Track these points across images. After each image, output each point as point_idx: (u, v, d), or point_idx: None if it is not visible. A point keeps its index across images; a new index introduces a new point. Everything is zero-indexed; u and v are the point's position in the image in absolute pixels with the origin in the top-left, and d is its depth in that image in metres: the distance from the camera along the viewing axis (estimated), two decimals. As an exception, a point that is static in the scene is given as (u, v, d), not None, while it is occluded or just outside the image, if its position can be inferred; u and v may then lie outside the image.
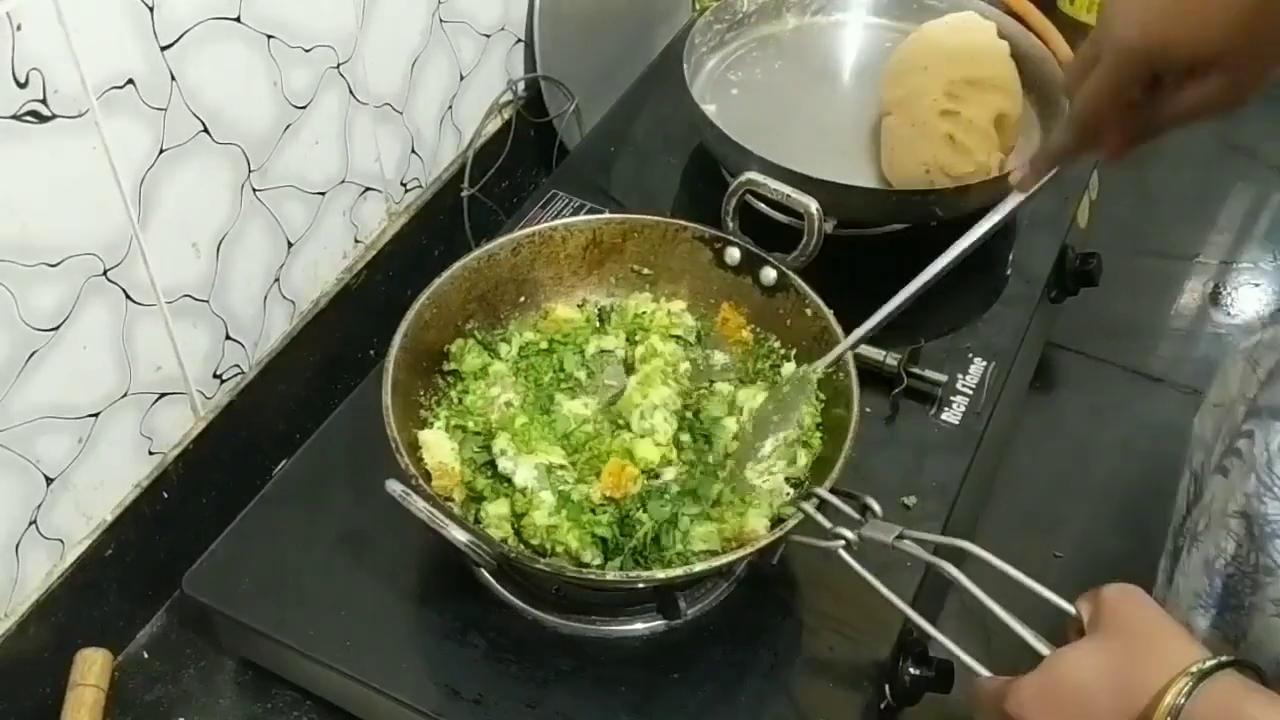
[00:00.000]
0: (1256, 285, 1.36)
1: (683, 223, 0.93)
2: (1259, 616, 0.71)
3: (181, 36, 0.80)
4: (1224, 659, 0.57)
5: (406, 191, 1.13)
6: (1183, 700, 0.55)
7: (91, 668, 0.88)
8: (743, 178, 0.90)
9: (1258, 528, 0.70)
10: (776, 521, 0.78)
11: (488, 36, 1.17)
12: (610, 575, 0.76)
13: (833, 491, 0.77)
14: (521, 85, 1.24)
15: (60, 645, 0.87)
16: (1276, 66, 0.67)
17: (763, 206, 1.00)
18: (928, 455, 0.95)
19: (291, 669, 0.88)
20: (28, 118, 0.71)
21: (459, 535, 0.72)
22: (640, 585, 0.78)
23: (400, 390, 0.80)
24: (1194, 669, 0.56)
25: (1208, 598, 0.75)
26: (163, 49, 0.79)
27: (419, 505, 0.72)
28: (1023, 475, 1.15)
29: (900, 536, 0.74)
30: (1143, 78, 0.70)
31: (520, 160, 1.28)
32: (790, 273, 0.89)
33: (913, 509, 0.91)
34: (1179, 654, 0.58)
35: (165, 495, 0.93)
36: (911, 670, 0.83)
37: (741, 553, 0.76)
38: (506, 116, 1.24)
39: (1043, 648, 0.65)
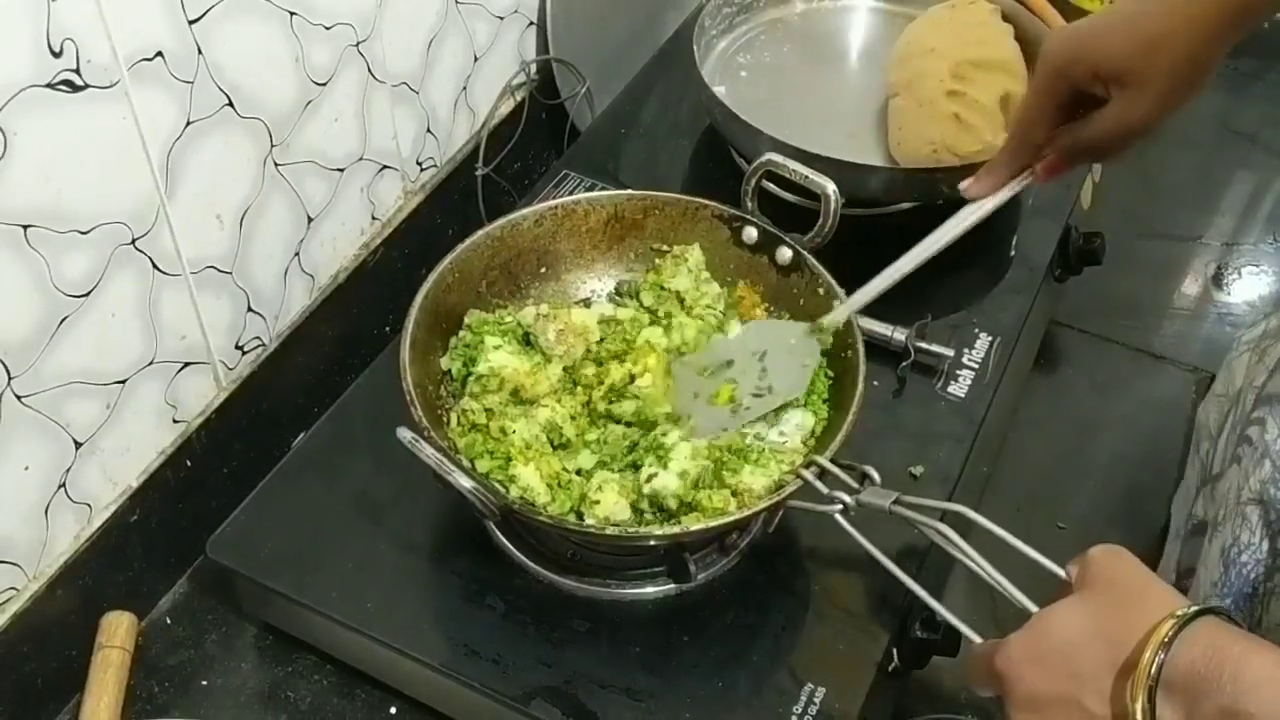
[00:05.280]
0: (1258, 267, 1.38)
1: (703, 201, 0.94)
2: (1277, 600, 0.72)
3: (208, 11, 0.82)
4: (1207, 606, 0.59)
5: (422, 170, 1.15)
6: (1168, 642, 0.57)
7: (117, 630, 0.90)
8: (763, 158, 0.91)
9: (1274, 513, 0.71)
10: (777, 489, 0.80)
11: (501, 19, 1.19)
12: (609, 530, 0.78)
13: (833, 462, 0.78)
14: (534, 67, 1.26)
15: (87, 608, 0.89)
16: (1174, 93, 0.78)
17: (772, 186, 1.02)
18: (934, 427, 0.97)
19: (312, 632, 0.90)
20: (61, 87, 0.73)
21: (464, 482, 0.74)
22: (647, 542, 0.80)
23: (418, 347, 0.82)
24: (1179, 613, 0.58)
25: (1223, 586, 0.77)
26: (190, 22, 0.80)
27: (428, 452, 0.74)
28: (1026, 451, 1.16)
29: (897, 502, 0.76)
30: (1065, 91, 0.80)
31: (532, 141, 1.29)
32: (806, 252, 0.91)
33: (920, 478, 0.93)
34: (1164, 604, 0.59)
35: (188, 463, 0.95)
36: (918, 634, 0.85)
37: (739, 515, 0.77)
38: (519, 98, 1.26)
39: (1031, 606, 0.67)
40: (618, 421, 0.85)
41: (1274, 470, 0.73)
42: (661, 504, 0.80)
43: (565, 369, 0.88)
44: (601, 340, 0.89)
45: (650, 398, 0.85)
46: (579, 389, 0.87)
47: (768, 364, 0.87)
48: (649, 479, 0.80)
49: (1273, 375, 0.79)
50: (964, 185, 0.88)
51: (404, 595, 0.86)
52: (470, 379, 0.85)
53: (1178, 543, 0.92)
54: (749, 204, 0.93)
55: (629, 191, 0.95)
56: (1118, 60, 0.77)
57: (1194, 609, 0.58)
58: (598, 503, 0.79)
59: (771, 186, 1.01)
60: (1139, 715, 0.57)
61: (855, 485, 0.78)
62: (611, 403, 0.85)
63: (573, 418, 0.85)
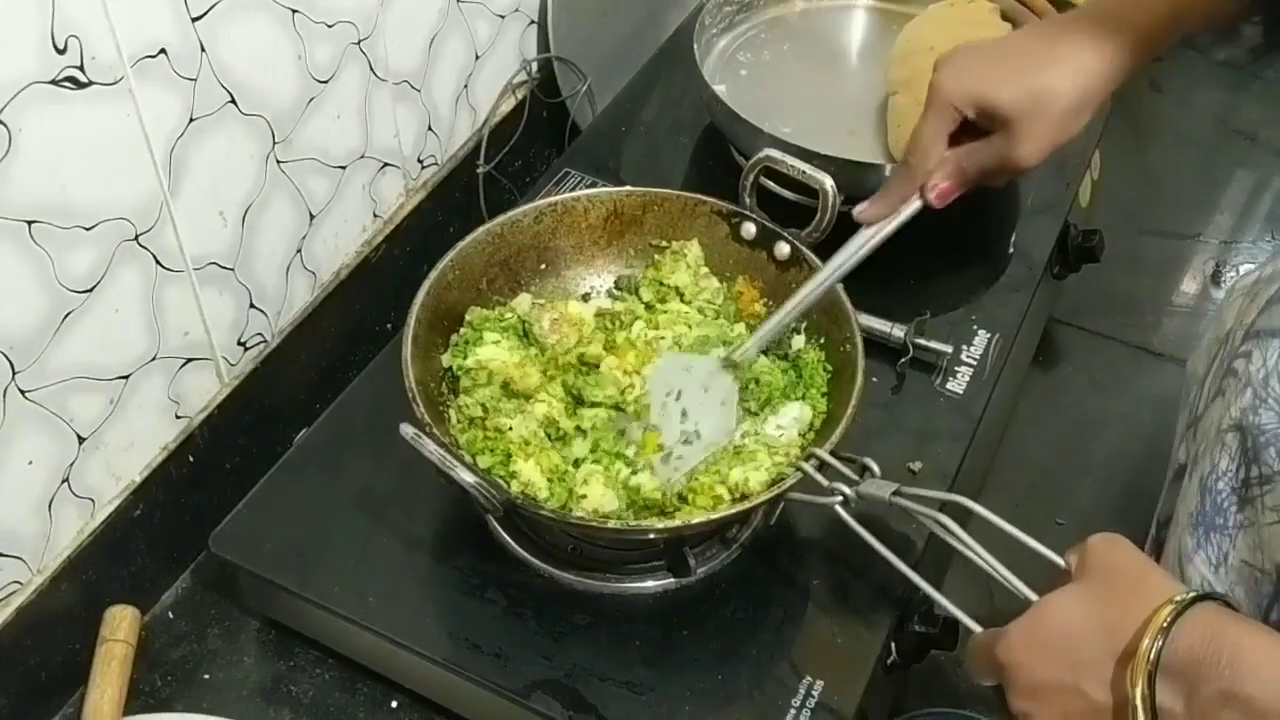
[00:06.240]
0: (1256, 264, 1.38)
1: (702, 197, 0.94)
2: (1251, 530, 0.72)
3: (211, 8, 0.82)
4: (1205, 592, 0.59)
5: (424, 168, 1.16)
6: (1166, 628, 0.57)
7: (121, 624, 0.90)
8: (761, 154, 0.92)
9: (1251, 438, 0.71)
10: (776, 482, 0.80)
11: (502, 17, 1.19)
12: (612, 524, 0.78)
13: (833, 454, 0.79)
14: (535, 65, 1.27)
15: (90, 602, 0.90)
16: (1058, 135, 0.85)
17: (771, 184, 1.02)
18: (933, 423, 0.97)
19: (314, 626, 0.91)
20: (66, 84, 0.73)
21: (467, 478, 0.74)
22: (648, 536, 0.81)
23: (420, 344, 0.83)
24: (1177, 599, 0.58)
25: (1199, 515, 0.76)
26: (193, 20, 0.81)
27: (430, 448, 0.74)
28: (1025, 448, 1.17)
29: (897, 493, 0.77)
30: (954, 120, 0.86)
31: (534, 139, 1.30)
32: (804, 248, 0.91)
33: (918, 474, 0.93)
34: (1162, 590, 0.60)
35: (191, 459, 0.96)
36: (917, 628, 0.85)
37: (739, 508, 0.78)
38: (520, 96, 1.26)
39: (1031, 594, 0.67)
40: (594, 405, 0.86)
41: (1255, 399, 0.72)
42: (646, 502, 0.80)
43: (550, 358, 0.88)
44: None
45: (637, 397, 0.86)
46: (559, 372, 0.87)
47: (685, 405, 0.85)
48: (631, 474, 0.81)
49: (1263, 312, 0.78)
50: (858, 210, 0.91)
51: (405, 590, 0.86)
52: (462, 374, 0.86)
53: (1161, 499, 0.91)
54: (747, 199, 0.94)
55: (628, 188, 0.95)
56: (1006, 105, 0.84)
57: (1191, 594, 0.59)
58: (584, 496, 0.79)
59: (771, 185, 1.02)
60: (1139, 701, 0.57)
61: (855, 477, 0.79)
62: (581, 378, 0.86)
63: (566, 411, 0.85)
